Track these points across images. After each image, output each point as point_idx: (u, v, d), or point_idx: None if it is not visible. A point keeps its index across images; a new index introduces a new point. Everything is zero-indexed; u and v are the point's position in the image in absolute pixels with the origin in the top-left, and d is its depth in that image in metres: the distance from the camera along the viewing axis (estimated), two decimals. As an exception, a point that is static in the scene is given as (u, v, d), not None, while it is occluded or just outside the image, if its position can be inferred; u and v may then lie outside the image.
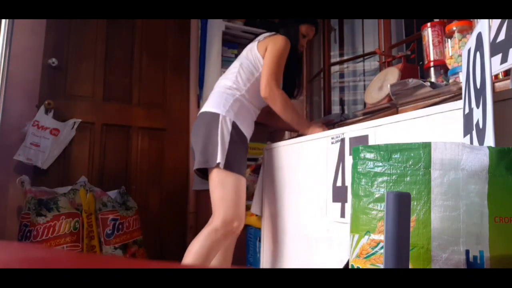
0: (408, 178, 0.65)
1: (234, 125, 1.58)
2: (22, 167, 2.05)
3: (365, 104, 1.93)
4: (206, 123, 1.59)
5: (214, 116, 1.58)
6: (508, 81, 0.99)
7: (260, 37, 1.75)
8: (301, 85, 2.00)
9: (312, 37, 1.90)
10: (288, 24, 1.78)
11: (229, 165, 1.51)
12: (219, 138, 1.53)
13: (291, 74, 1.82)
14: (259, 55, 1.68)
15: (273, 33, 1.74)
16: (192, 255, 1.47)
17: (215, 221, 1.51)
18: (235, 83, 1.65)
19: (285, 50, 1.66)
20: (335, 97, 2.77)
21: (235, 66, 1.72)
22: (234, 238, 1.76)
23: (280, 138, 2.45)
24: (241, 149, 1.59)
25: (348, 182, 1.24)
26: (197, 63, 2.63)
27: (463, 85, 0.89)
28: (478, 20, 0.85)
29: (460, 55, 1.36)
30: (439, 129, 0.98)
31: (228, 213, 1.50)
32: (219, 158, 1.51)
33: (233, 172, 1.53)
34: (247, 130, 1.65)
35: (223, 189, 1.52)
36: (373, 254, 0.67)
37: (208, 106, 1.64)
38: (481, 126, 0.73)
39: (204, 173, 1.64)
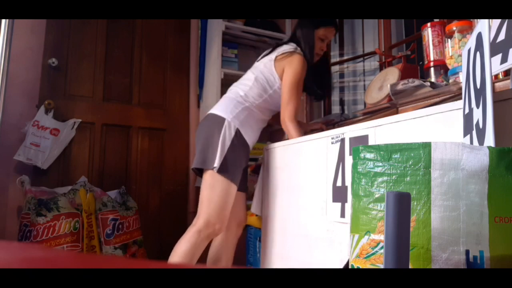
0: (408, 178, 0.65)
1: (238, 132, 1.60)
2: (22, 167, 2.05)
3: (365, 104, 1.93)
4: (210, 125, 1.62)
5: (220, 120, 1.60)
6: (508, 81, 0.99)
7: (278, 51, 1.73)
8: (330, 86, 2.06)
9: (334, 36, 1.89)
10: (303, 32, 1.76)
11: (223, 170, 1.55)
12: (220, 142, 1.55)
13: (319, 78, 1.84)
14: (276, 74, 1.69)
15: (290, 48, 1.72)
16: (177, 257, 1.53)
17: (199, 222, 1.55)
18: (247, 95, 1.68)
19: (302, 71, 1.67)
20: (335, 97, 2.77)
21: (249, 78, 1.73)
22: (234, 238, 1.76)
23: (280, 138, 2.45)
24: (239, 156, 1.61)
25: (348, 182, 1.24)
26: (197, 63, 2.63)
27: (463, 85, 0.89)
28: (478, 20, 0.85)
29: (460, 55, 1.36)
30: (439, 129, 0.98)
31: (212, 215, 1.55)
32: (216, 161, 1.53)
33: (225, 178, 1.56)
34: (251, 138, 1.67)
35: (212, 191, 1.55)
36: (373, 254, 0.67)
37: (217, 109, 1.67)
38: (481, 126, 0.73)
39: (201, 172, 1.66)
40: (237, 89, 1.71)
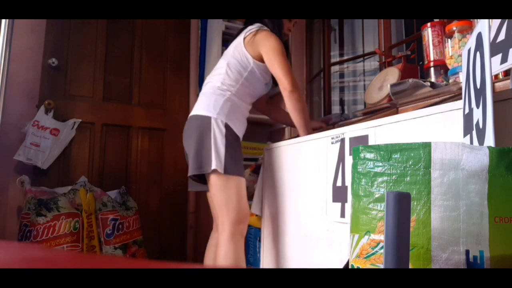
0: (408, 178, 0.65)
1: (227, 127, 1.55)
2: (22, 167, 2.05)
3: (365, 104, 1.93)
4: (197, 127, 1.56)
5: (206, 119, 1.55)
6: (508, 81, 0.99)
7: (245, 32, 1.67)
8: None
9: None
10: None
11: (229, 169, 1.51)
12: (212, 142, 1.51)
13: None
14: (248, 54, 1.63)
15: (257, 27, 1.66)
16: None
17: (227, 228, 1.51)
18: (223, 83, 1.61)
19: (278, 43, 1.60)
20: (335, 97, 2.77)
21: (222, 66, 1.66)
22: None
23: (280, 138, 2.45)
24: (236, 150, 1.58)
25: (348, 182, 1.24)
26: (197, 63, 2.63)
27: (463, 85, 0.89)
28: (478, 20, 0.85)
29: (460, 55, 1.36)
30: (439, 129, 0.98)
31: (235, 215, 1.52)
32: (214, 163, 1.49)
33: (233, 175, 1.53)
34: (240, 129, 1.63)
35: (225, 193, 1.52)
36: (373, 254, 0.67)
37: (198, 109, 1.62)
38: (481, 126, 0.73)
39: (199, 177, 1.62)
40: (212, 81, 1.65)
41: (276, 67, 1.58)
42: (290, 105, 1.60)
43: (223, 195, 1.52)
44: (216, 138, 1.52)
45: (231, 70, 1.63)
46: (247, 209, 1.58)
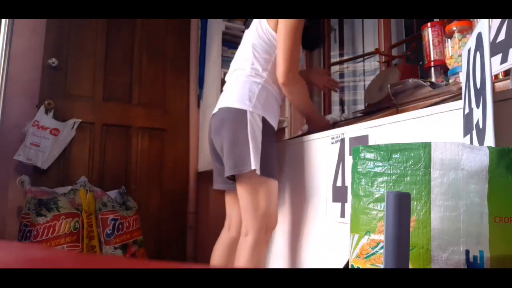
0: (408, 178, 0.65)
1: (264, 121, 1.38)
2: (22, 167, 2.05)
3: (365, 104, 1.93)
4: (231, 122, 1.38)
5: (240, 113, 1.37)
6: (508, 81, 0.99)
7: None
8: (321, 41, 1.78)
9: None
10: None
11: (265, 170, 1.35)
12: (250, 139, 1.34)
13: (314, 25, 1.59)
14: (271, 30, 1.43)
15: None
16: None
17: (252, 234, 1.38)
18: (253, 69, 1.43)
19: (298, 25, 1.39)
20: (335, 97, 2.77)
21: (247, 49, 1.48)
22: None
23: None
24: (273, 148, 1.42)
25: (348, 182, 1.24)
26: (197, 63, 2.62)
27: (463, 85, 0.89)
28: (478, 20, 0.85)
29: (460, 55, 1.36)
30: (439, 129, 0.98)
31: (262, 221, 1.38)
32: (253, 163, 1.32)
33: (269, 178, 1.37)
34: (276, 119, 1.46)
35: (255, 196, 1.37)
36: (373, 254, 0.67)
37: (231, 100, 1.42)
38: (481, 126, 0.73)
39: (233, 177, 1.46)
40: (241, 67, 1.47)
41: (280, 47, 1.38)
42: (289, 98, 1.48)
43: (254, 199, 1.37)
44: (255, 135, 1.35)
45: (258, 51, 1.45)
46: (276, 216, 1.44)
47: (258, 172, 1.32)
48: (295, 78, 1.40)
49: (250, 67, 1.44)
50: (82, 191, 2.02)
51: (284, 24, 1.38)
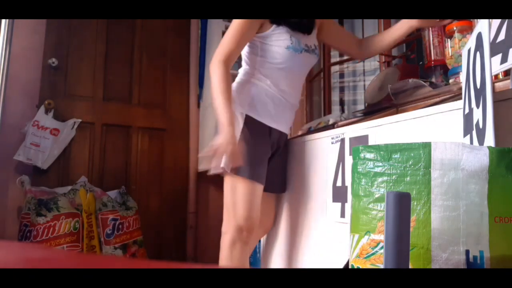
0: (408, 178, 0.65)
1: (248, 119, 1.35)
2: (22, 167, 2.05)
3: (365, 104, 1.93)
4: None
5: None
6: (508, 81, 0.99)
7: None
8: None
9: None
10: None
11: (240, 169, 1.31)
12: None
13: None
14: None
15: None
16: None
17: (230, 232, 1.38)
18: (244, 68, 1.44)
19: (244, 22, 1.32)
20: (335, 97, 2.77)
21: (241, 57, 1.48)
22: (254, 243, 1.65)
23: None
24: (259, 147, 1.37)
25: (348, 182, 1.24)
26: (197, 63, 2.62)
27: (463, 85, 0.89)
28: (478, 20, 0.85)
29: (460, 55, 1.36)
30: (439, 129, 0.98)
31: (239, 220, 1.36)
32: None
33: (245, 178, 1.34)
34: (269, 119, 1.39)
35: (234, 194, 1.36)
36: (373, 254, 0.67)
37: None
38: (481, 126, 0.73)
39: None
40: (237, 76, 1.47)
41: (227, 32, 1.34)
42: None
43: (230, 197, 1.37)
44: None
45: (247, 54, 1.43)
46: (255, 219, 1.38)
47: (227, 170, 1.29)
48: (219, 64, 1.31)
49: (242, 71, 1.44)
50: (82, 191, 2.02)
51: (234, 21, 1.34)
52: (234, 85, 1.42)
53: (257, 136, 1.37)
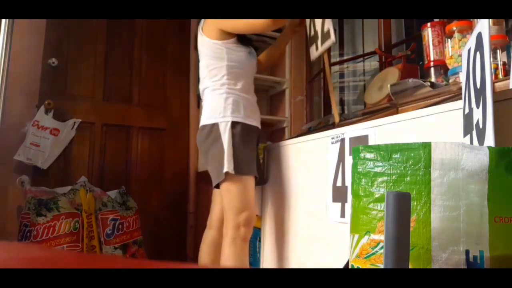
0: (408, 178, 0.65)
1: (235, 125, 1.49)
2: (22, 167, 2.05)
3: (365, 104, 1.93)
4: (205, 138, 1.53)
5: (211, 128, 1.51)
6: (508, 81, 0.99)
7: (199, 27, 1.61)
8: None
9: None
10: None
11: (239, 169, 1.45)
12: (225, 147, 1.46)
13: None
14: (211, 40, 1.54)
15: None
16: None
17: (229, 232, 1.47)
18: (213, 80, 1.55)
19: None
20: (335, 97, 2.77)
21: (201, 65, 1.61)
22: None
23: (280, 138, 2.45)
24: (249, 145, 1.51)
25: (348, 182, 1.24)
26: (197, 63, 2.62)
27: (463, 85, 0.89)
28: (478, 20, 0.85)
29: (460, 55, 1.36)
30: (439, 129, 0.98)
31: (239, 219, 1.47)
32: (226, 166, 1.44)
33: (244, 175, 1.47)
34: (252, 119, 1.55)
35: (230, 194, 1.48)
36: (373, 254, 0.67)
37: (204, 118, 1.56)
38: (481, 126, 0.73)
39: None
40: (205, 85, 1.58)
41: (240, 21, 1.48)
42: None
43: (227, 197, 1.48)
44: (226, 141, 1.47)
45: (211, 62, 1.56)
46: (252, 210, 1.51)
47: (232, 172, 1.44)
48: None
49: (210, 79, 1.56)
50: (82, 191, 2.02)
51: (226, 19, 1.50)
52: (209, 98, 1.57)
53: (246, 135, 1.51)
